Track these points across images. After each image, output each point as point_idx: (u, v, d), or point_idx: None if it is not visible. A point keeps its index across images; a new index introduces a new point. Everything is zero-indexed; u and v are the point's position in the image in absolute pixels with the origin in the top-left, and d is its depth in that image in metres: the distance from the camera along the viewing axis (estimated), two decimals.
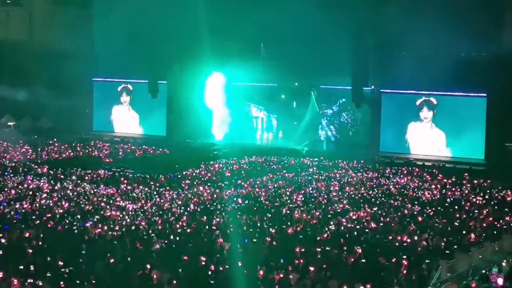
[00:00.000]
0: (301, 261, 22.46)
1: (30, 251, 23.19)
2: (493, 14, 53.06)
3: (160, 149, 61.06)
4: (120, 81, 74.89)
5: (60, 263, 21.56)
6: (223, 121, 71.30)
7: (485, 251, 21.46)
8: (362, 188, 41.61)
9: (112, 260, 22.11)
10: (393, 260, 22.36)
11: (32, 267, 20.94)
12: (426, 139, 59.83)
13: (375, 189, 41.29)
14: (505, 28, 53.00)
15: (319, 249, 24.00)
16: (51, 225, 28.44)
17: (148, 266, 21.02)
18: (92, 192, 38.75)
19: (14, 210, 31.86)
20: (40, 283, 19.42)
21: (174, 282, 19.68)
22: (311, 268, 21.05)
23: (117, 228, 28.34)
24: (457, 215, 32.16)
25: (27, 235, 25.92)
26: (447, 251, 23.57)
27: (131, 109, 74.96)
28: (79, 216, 30.83)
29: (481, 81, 55.07)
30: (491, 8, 53.13)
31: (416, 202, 36.15)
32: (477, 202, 36.63)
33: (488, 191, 40.82)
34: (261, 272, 20.60)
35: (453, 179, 45.56)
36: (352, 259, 22.83)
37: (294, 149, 61.19)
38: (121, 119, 75.46)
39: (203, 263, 21.83)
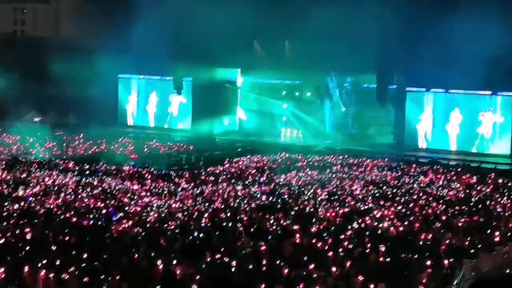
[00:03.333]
0: (325, 258, 22.51)
1: (55, 246, 23.36)
2: None
3: (185, 146, 61.24)
4: (145, 77, 75.33)
5: (85, 258, 21.74)
6: (249, 118, 71.52)
7: (510, 251, 21.37)
8: (386, 187, 41.48)
9: (136, 256, 22.26)
10: (417, 259, 22.33)
11: (57, 262, 21.11)
12: (452, 137, 59.78)
13: (399, 188, 41.15)
14: None
15: (343, 247, 24.00)
16: (76, 221, 28.60)
17: (173, 262, 21.14)
18: (116, 188, 38.95)
19: (40, 205, 32.10)
20: (66, 278, 19.60)
21: (197, 277, 19.77)
22: (335, 266, 21.05)
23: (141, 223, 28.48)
24: (482, 214, 31.99)
25: (51, 230, 26.10)
26: (471, 250, 23.47)
27: (157, 105, 75.34)
28: (104, 212, 31.04)
29: (509, 80, 54.71)
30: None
31: (440, 201, 35.99)
32: (502, 201, 36.40)
33: None
34: (285, 270, 20.61)
35: (478, 178, 45.26)
36: (376, 257, 22.79)
37: (316, 145, 61.44)
38: (147, 115, 75.94)
39: (227, 260, 21.88)
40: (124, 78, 76.83)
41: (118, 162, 49.44)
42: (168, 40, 63.69)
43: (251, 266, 21.32)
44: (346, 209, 32.96)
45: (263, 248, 23.88)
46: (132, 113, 77.02)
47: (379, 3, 55.28)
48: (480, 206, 34.66)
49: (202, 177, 44.26)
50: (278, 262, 21.62)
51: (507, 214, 32.45)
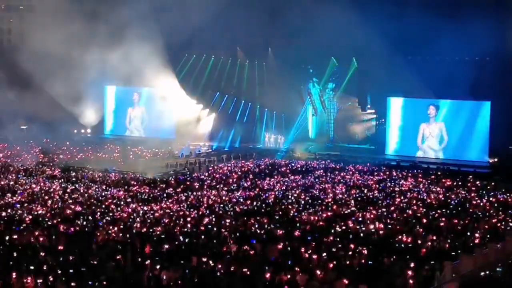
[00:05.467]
0: (309, 262, 22.52)
1: (42, 252, 23.25)
2: (498, 22, 52.91)
3: (169, 152, 61.18)
4: (131, 87, 75.12)
5: (72, 263, 21.66)
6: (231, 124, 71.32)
7: (489, 253, 21.44)
8: (368, 190, 41.49)
9: (122, 261, 22.17)
10: (398, 261, 22.36)
11: (44, 267, 21.02)
12: (431, 142, 59.94)
13: (381, 191, 41.20)
14: (509, 35, 52.93)
15: (326, 250, 23.98)
16: (63, 227, 28.46)
17: (158, 267, 21.09)
18: (103, 194, 38.81)
19: (27, 212, 31.95)
20: (53, 283, 19.51)
21: (180, 282, 19.74)
22: (318, 269, 21.03)
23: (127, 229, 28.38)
24: (461, 217, 32.07)
25: (39, 236, 25.97)
26: (452, 253, 23.49)
27: (142, 113, 75.20)
28: (90, 218, 30.92)
29: (486, 86, 55.00)
30: (496, 16, 53.05)
31: (421, 204, 36.05)
32: (481, 204, 36.52)
33: (492, 193, 40.65)
34: (269, 274, 20.57)
35: (458, 182, 45.34)
36: (358, 260, 22.79)
37: (301, 150, 61.75)
38: (132, 123, 75.80)
39: (211, 264, 21.84)
40: (111, 87, 76.62)
41: (104, 169, 49.33)
42: (155, 50, 63.66)
43: (236, 270, 21.28)
44: (329, 213, 32.99)
45: (248, 252, 23.86)
46: (118, 121, 76.78)
47: (360, 12, 55.31)
48: (460, 209, 34.77)
49: (188, 183, 44.16)
50: (262, 265, 21.59)
51: (486, 216, 32.52)
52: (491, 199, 38.56)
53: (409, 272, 20.72)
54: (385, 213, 33.17)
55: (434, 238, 26.48)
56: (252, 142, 68.18)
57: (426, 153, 60.03)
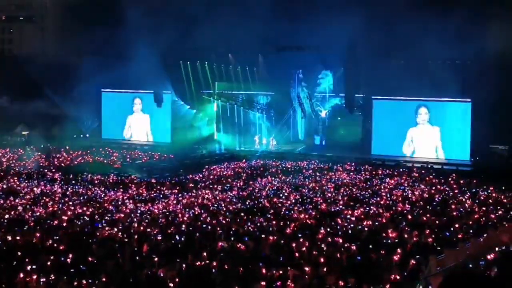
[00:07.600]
0: (299, 258, 22.53)
1: (44, 252, 23.21)
2: (478, 27, 53.04)
3: (165, 155, 61.20)
4: (127, 92, 75.15)
5: (73, 262, 21.65)
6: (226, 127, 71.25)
7: (472, 247, 21.46)
8: (355, 189, 41.53)
9: (121, 259, 22.17)
10: (385, 256, 22.38)
11: (46, 267, 20.99)
12: (417, 143, 60.13)
13: (368, 189, 41.22)
14: (488, 37, 53.05)
15: (316, 247, 24.00)
16: (63, 227, 28.42)
17: (155, 265, 21.11)
18: (101, 195, 38.79)
19: (29, 214, 31.91)
20: (55, 282, 19.49)
21: (177, 279, 19.74)
22: (308, 265, 21.04)
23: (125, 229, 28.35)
24: (445, 213, 32.14)
25: (41, 236, 25.94)
26: (438, 248, 23.51)
27: (138, 117, 75.25)
28: (89, 218, 30.91)
29: (466, 87, 55.21)
30: (476, 21, 53.17)
31: (406, 201, 36.10)
32: (464, 200, 36.59)
33: (473, 190, 40.73)
34: (262, 269, 20.58)
35: (441, 179, 45.42)
36: (347, 255, 22.81)
37: (290, 152, 61.82)
38: (129, 128, 75.84)
39: (207, 261, 21.84)
40: (107, 92, 76.63)
41: (102, 172, 49.26)
42: (149, 54, 63.65)
43: (230, 267, 21.29)
44: (319, 211, 33.00)
45: (241, 249, 23.88)
46: (115, 126, 76.77)
47: (346, 17, 55.31)
48: (444, 205, 34.81)
49: (183, 184, 44.18)
50: (255, 261, 21.60)
51: (468, 212, 32.58)
52: (473, 195, 38.66)
53: (396, 267, 20.77)
54: (372, 210, 33.20)
55: (419, 233, 26.52)
56: (245, 144, 68.07)
57: (411, 153, 60.19)
